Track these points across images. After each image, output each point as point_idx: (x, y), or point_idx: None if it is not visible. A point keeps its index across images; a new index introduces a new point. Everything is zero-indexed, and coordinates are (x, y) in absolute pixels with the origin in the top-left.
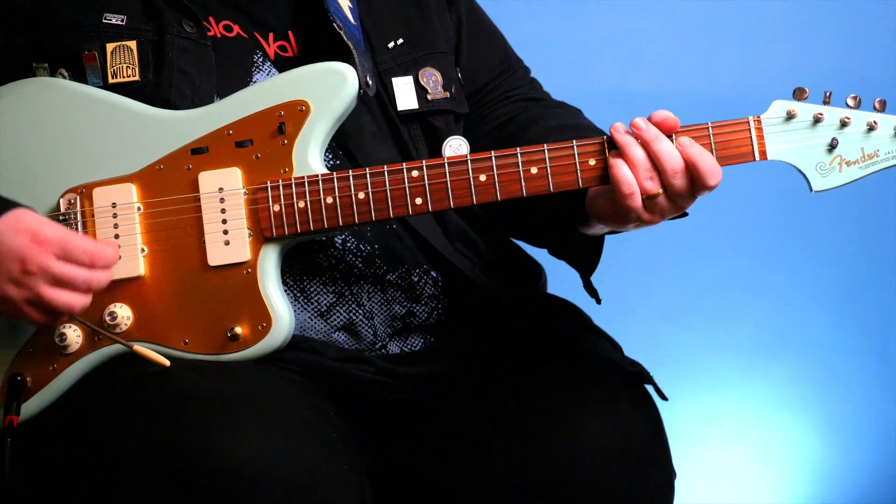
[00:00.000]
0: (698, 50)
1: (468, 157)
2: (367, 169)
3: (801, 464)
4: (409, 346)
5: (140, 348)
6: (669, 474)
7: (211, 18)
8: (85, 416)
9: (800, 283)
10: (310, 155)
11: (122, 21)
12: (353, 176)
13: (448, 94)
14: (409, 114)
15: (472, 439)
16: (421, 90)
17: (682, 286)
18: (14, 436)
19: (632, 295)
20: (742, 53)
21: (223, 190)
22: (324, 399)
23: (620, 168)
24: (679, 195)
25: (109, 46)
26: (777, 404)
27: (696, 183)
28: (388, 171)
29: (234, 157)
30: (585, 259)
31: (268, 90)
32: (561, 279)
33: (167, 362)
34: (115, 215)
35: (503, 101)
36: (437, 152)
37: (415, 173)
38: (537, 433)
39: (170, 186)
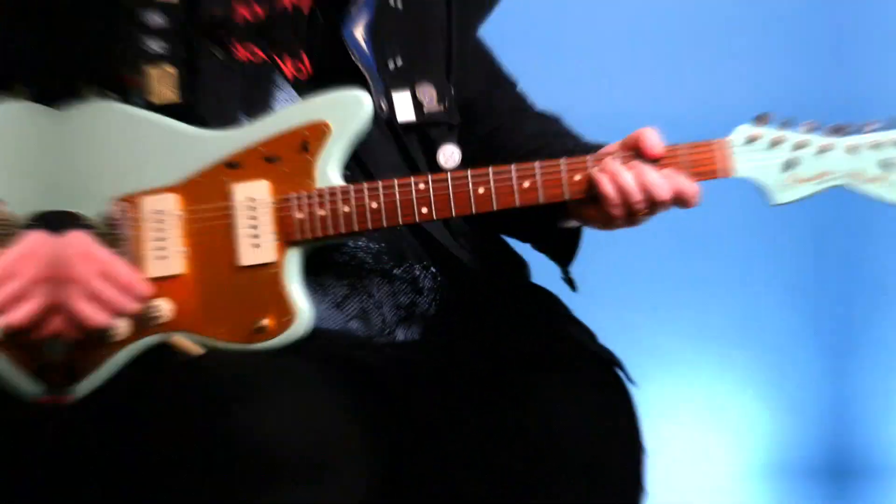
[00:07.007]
0: (673, 68)
1: (468, 173)
2: (380, 182)
3: (754, 434)
4: (410, 335)
5: (177, 338)
6: (638, 451)
7: (238, 44)
8: (118, 398)
9: (758, 280)
10: (329, 169)
11: (162, 48)
12: (368, 188)
13: (442, 108)
14: (407, 125)
15: (456, 423)
16: (417, 104)
17: (656, 281)
18: (56, 416)
19: (608, 288)
20: (708, 75)
21: (253, 200)
22: (342, 391)
23: (605, 185)
24: (661, 210)
25: (150, 70)
26: (735, 384)
27: (679, 205)
28: (398, 184)
29: (264, 172)
30: (564, 250)
31: (294, 112)
32: (544, 271)
33: (201, 350)
34: (159, 221)
35: (490, 114)
36: (433, 158)
37: (421, 186)
38: (510, 413)
39: (207, 196)
